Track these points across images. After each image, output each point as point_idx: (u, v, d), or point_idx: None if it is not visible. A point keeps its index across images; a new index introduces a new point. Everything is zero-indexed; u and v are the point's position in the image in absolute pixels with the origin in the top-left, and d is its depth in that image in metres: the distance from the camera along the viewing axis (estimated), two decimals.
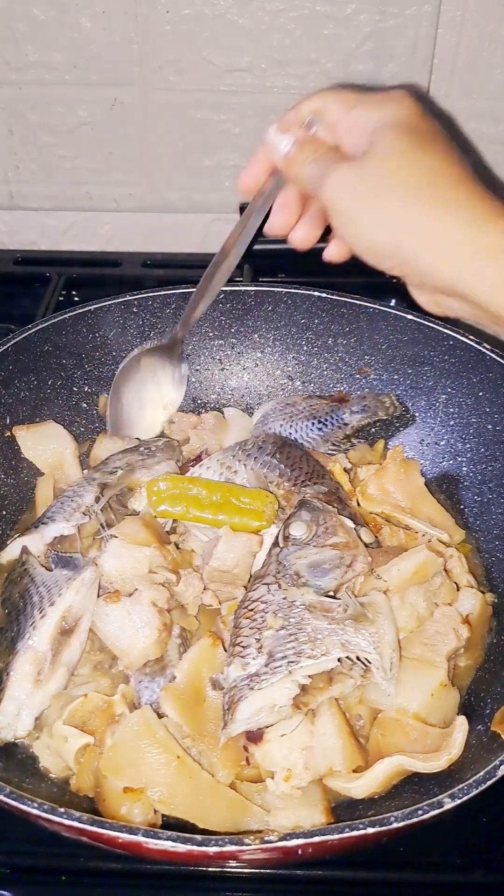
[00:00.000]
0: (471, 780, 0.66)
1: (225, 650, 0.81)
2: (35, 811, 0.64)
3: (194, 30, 1.22)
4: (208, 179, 1.36)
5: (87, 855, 0.76)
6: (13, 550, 0.90)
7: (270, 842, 0.62)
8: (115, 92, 1.29)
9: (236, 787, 0.75)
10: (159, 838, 0.61)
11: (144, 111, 1.30)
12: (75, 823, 0.63)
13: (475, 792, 0.65)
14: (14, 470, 1.01)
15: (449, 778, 0.71)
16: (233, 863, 0.69)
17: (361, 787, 0.74)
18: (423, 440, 1.07)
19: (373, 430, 1.09)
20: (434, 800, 0.64)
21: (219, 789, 0.74)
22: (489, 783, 0.66)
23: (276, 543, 0.85)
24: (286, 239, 0.84)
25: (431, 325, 1.03)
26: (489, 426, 1.00)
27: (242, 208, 0.89)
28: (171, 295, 1.10)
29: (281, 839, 0.62)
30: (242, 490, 0.90)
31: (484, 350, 1.00)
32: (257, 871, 0.76)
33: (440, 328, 1.03)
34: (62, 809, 0.63)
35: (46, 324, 1.05)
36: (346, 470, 1.00)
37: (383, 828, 0.62)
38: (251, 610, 0.79)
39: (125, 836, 0.62)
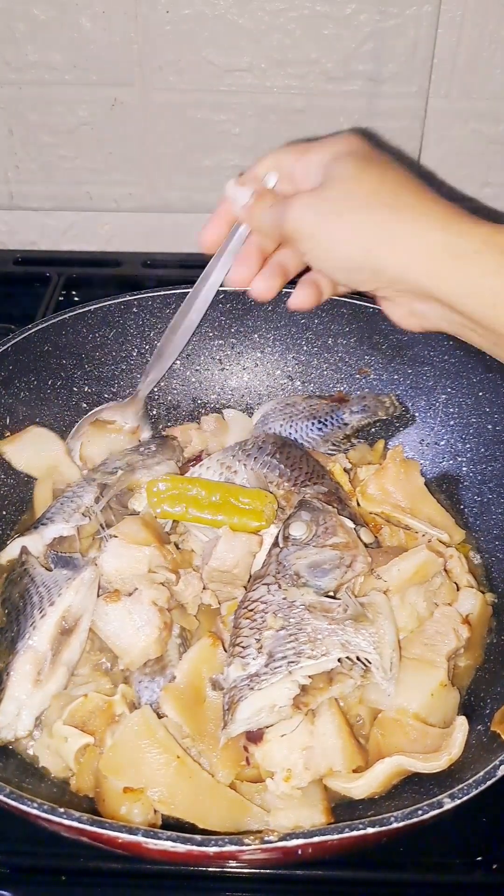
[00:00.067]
0: (471, 780, 0.66)
1: (225, 650, 0.81)
2: (35, 811, 0.64)
3: (194, 30, 1.22)
4: (208, 179, 1.36)
5: (87, 855, 0.76)
6: (12, 551, 0.90)
7: (270, 842, 0.62)
8: (115, 92, 1.29)
9: (236, 787, 0.75)
10: (159, 838, 0.61)
11: (144, 111, 1.30)
12: (75, 823, 0.63)
13: (475, 792, 0.65)
14: (13, 470, 1.01)
15: (449, 778, 0.71)
16: (233, 863, 0.69)
17: (361, 787, 0.74)
18: (423, 440, 1.07)
19: (373, 430, 1.09)
20: (434, 800, 0.64)
21: (219, 789, 0.74)
22: (489, 783, 0.66)
23: (275, 543, 0.85)
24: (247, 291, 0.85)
25: None
26: (489, 426, 1.00)
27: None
28: (171, 295, 1.10)
29: (281, 839, 0.62)
30: (242, 490, 0.90)
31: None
32: (257, 871, 0.76)
33: None
34: (62, 809, 0.63)
35: (46, 324, 1.05)
36: (346, 470, 1.00)
37: (383, 828, 0.62)
38: (251, 610, 0.79)
39: (125, 836, 0.62)
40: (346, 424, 1.07)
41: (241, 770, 0.76)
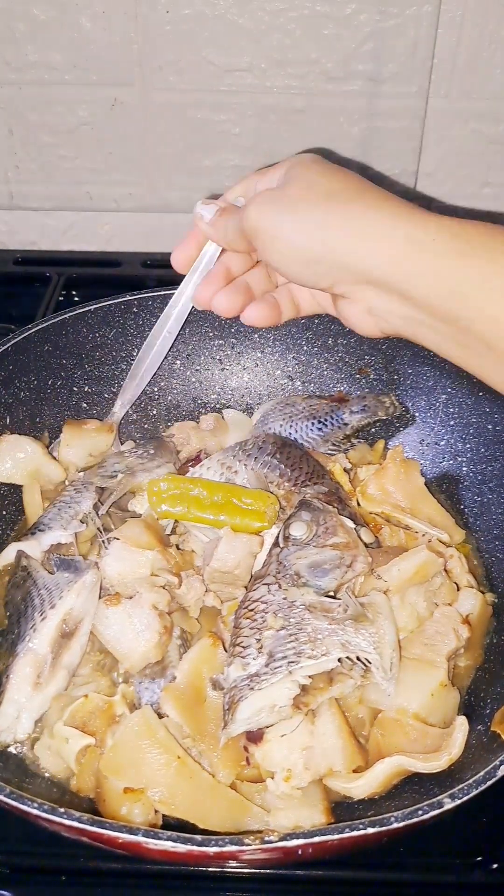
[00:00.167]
0: (471, 780, 0.66)
1: (225, 650, 0.81)
2: (35, 811, 0.64)
3: (194, 30, 1.22)
4: (208, 179, 1.36)
5: (87, 855, 0.76)
6: (8, 555, 0.90)
7: (270, 842, 0.62)
8: (115, 92, 1.29)
9: (236, 788, 0.75)
10: (159, 838, 0.61)
11: (144, 111, 1.30)
12: (75, 823, 0.63)
13: (475, 792, 0.65)
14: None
15: (449, 778, 0.71)
16: (233, 863, 0.69)
17: (361, 787, 0.74)
18: (423, 440, 1.07)
19: (373, 430, 1.09)
20: (434, 800, 0.64)
21: (219, 789, 0.74)
22: (489, 783, 0.66)
23: (276, 544, 0.85)
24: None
25: None
26: (489, 426, 1.00)
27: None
28: (171, 295, 1.10)
29: (281, 839, 0.62)
30: (243, 490, 0.90)
31: None
32: (257, 871, 0.76)
33: None
34: (62, 809, 0.63)
35: (46, 324, 1.05)
36: (346, 470, 1.00)
37: (383, 828, 0.62)
38: (251, 610, 0.79)
39: (125, 836, 0.62)
40: (346, 424, 1.07)
41: (242, 770, 0.76)
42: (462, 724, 0.75)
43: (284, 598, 0.78)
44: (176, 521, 0.92)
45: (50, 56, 1.25)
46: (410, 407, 1.08)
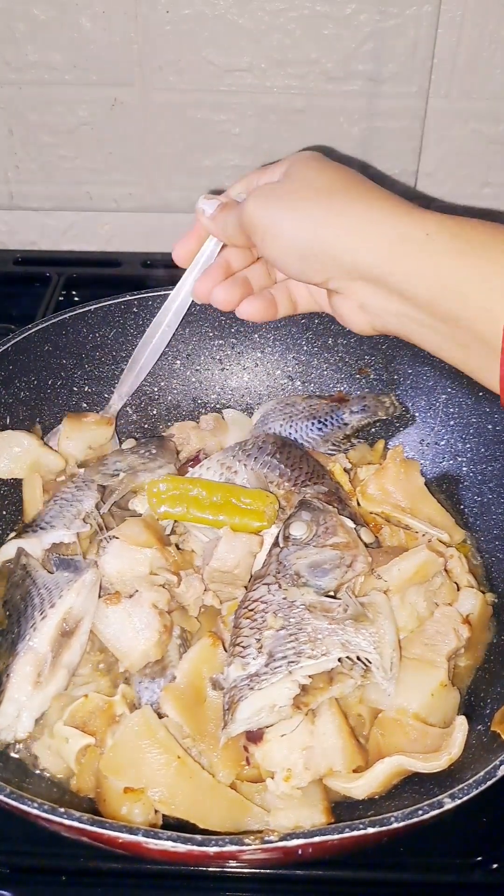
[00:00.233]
0: (471, 780, 0.66)
1: (225, 650, 0.81)
2: (35, 811, 0.64)
3: (194, 30, 1.22)
4: (208, 179, 1.36)
5: (87, 855, 0.76)
6: (9, 551, 0.90)
7: (270, 842, 0.62)
8: (115, 92, 1.29)
9: (236, 787, 0.75)
10: (159, 838, 0.61)
11: (144, 111, 1.30)
12: (75, 823, 0.63)
13: (475, 792, 0.65)
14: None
15: (449, 778, 0.71)
16: (233, 863, 0.69)
17: (361, 787, 0.74)
18: (423, 440, 1.07)
19: (373, 430, 1.09)
20: (434, 800, 0.64)
21: (219, 789, 0.74)
22: (489, 783, 0.66)
23: (276, 543, 0.85)
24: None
25: None
26: (489, 426, 1.00)
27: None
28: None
29: (281, 839, 0.62)
30: (243, 490, 0.90)
31: None
32: (257, 871, 0.76)
33: None
34: (62, 809, 0.63)
35: (46, 324, 1.05)
36: (346, 470, 1.00)
37: (383, 828, 0.62)
38: (251, 610, 0.79)
39: (125, 836, 0.62)
40: (346, 424, 1.07)
41: (242, 770, 0.76)
42: (462, 724, 0.75)
43: (284, 598, 0.78)
44: (176, 520, 0.92)
45: (50, 56, 1.25)
46: (410, 407, 1.08)
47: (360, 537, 0.85)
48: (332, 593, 0.79)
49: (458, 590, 0.88)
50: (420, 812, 0.63)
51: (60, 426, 1.04)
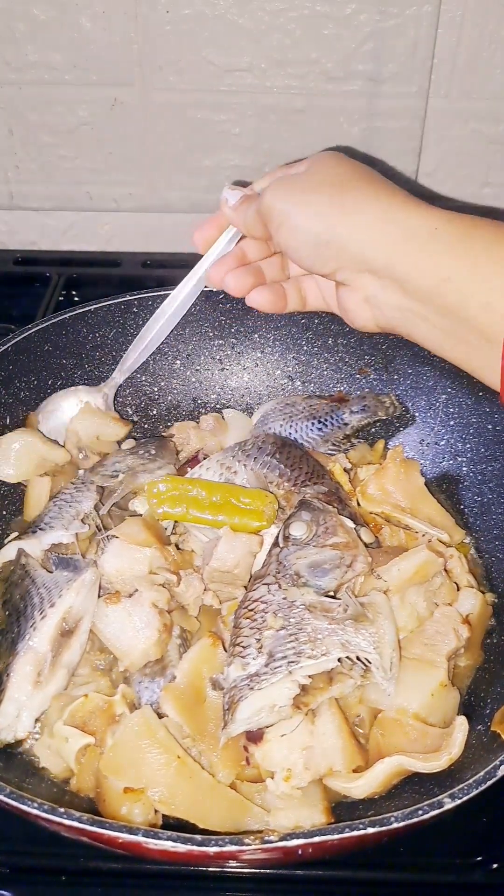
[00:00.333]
0: (471, 780, 0.66)
1: (225, 650, 0.81)
2: (35, 811, 0.64)
3: (194, 30, 1.22)
4: (208, 179, 1.36)
5: (87, 855, 0.76)
6: (8, 553, 0.89)
7: (270, 842, 0.62)
8: (115, 92, 1.29)
9: (236, 787, 0.75)
10: (159, 838, 0.61)
11: (144, 111, 1.30)
12: (75, 823, 0.63)
13: (475, 792, 0.65)
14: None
15: (449, 778, 0.71)
16: (233, 863, 0.69)
17: (361, 787, 0.74)
18: (423, 440, 1.07)
19: (373, 430, 1.09)
20: (434, 800, 0.64)
21: (219, 789, 0.74)
22: (489, 783, 0.66)
23: (276, 543, 0.85)
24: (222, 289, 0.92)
25: None
26: (489, 426, 1.00)
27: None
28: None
29: (281, 839, 0.62)
30: (242, 490, 0.90)
31: None
32: (257, 871, 0.76)
33: None
34: (62, 809, 0.63)
35: (46, 324, 1.05)
36: (346, 470, 1.00)
37: (383, 828, 0.62)
38: (251, 610, 0.79)
39: (125, 836, 0.62)
40: (346, 424, 1.07)
41: (242, 770, 0.76)
42: (462, 723, 0.75)
43: (284, 598, 0.78)
44: (175, 521, 0.92)
45: (50, 56, 1.25)
46: (410, 407, 1.08)
47: (360, 537, 0.85)
48: (332, 593, 0.79)
49: (458, 590, 0.88)
50: (420, 812, 0.63)
51: (48, 409, 1.04)
